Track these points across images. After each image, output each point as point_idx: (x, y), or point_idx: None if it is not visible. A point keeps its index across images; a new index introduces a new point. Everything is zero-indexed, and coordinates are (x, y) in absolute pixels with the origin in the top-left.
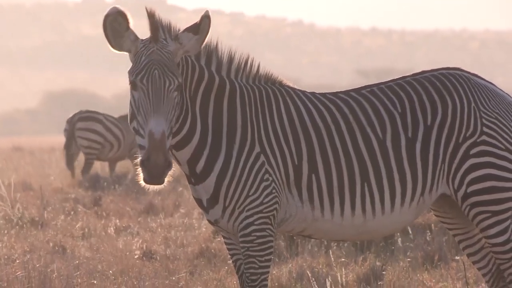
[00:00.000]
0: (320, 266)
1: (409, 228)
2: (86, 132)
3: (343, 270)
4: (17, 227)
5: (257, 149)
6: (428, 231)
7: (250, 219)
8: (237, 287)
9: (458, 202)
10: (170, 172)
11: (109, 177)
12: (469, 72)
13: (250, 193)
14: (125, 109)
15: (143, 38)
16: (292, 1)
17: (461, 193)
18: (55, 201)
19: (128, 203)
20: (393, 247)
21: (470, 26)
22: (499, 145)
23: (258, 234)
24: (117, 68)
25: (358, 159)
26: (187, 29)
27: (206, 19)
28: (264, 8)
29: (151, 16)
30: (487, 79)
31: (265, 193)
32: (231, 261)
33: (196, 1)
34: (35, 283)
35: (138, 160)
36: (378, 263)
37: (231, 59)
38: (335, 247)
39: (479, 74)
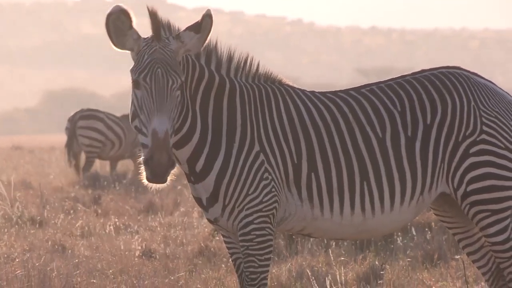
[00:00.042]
0: (320, 265)
1: (408, 227)
2: (88, 130)
3: (343, 269)
4: (17, 226)
5: (256, 147)
6: (427, 229)
7: (250, 218)
8: (236, 286)
9: (458, 201)
10: (173, 171)
11: (110, 175)
12: (468, 71)
13: (250, 192)
14: (125, 109)
15: (145, 37)
16: (292, 0)
17: (460, 191)
18: (54, 200)
19: (127, 202)
20: (392, 246)
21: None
22: (499, 143)
23: (257, 233)
24: (117, 67)
25: (357, 158)
26: (189, 28)
27: (207, 18)
28: (264, 7)
29: (153, 14)
30: (486, 78)
31: (264, 191)
32: (230, 260)
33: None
34: (35, 282)
35: (141, 158)
36: (377, 262)
37: (230, 58)
38: (334, 246)
39: (478, 73)
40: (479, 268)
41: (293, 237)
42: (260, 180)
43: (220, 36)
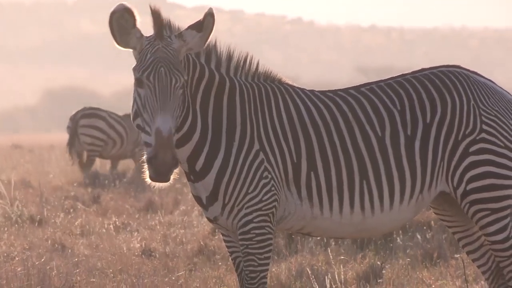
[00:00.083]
0: (320, 264)
1: (408, 226)
2: (89, 129)
3: (342, 267)
4: (17, 224)
5: (256, 146)
6: (426, 228)
7: (249, 217)
8: (236, 284)
9: (458, 199)
10: (175, 170)
11: (110, 174)
12: (468, 70)
13: (249, 191)
14: (125, 107)
15: (148, 36)
16: None
17: (460, 190)
18: (54, 199)
19: (127, 201)
20: (392, 245)
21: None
22: (499, 142)
23: (257, 231)
24: (117, 66)
25: (357, 157)
26: (191, 27)
27: (209, 17)
28: (263, 5)
29: (156, 13)
30: (486, 76)
31: (264, 190)
32: (230, 259)
33: None
34: (34, 280)
35: (145, 157)
36: (377, 261)
37: (230, 57)
38: (334, 245)
39: (478, 72)
40: (478, 267)
41: (293, 236)
42: (260, 179)
43: (220, 34)
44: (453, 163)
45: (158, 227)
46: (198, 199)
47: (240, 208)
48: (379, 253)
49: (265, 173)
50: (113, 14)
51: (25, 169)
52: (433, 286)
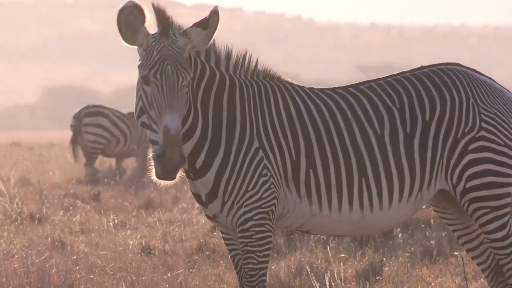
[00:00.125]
0: (319, 262)
1: (408, 224)
2: (93, 127)
3: (342, 265)
4: (16, 222)
5: (255, 144)
6: (426, 226)
7: (249, 214)
8: (235, 282)
9: (457, 197)
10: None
11: (115, 170)
12: (468, 68)
13: (249, 188)
14: (125, 105)
15: (153, 33)
16: None
17: (459, 188)
18: (54, 197)
19: (127, 198)
20: (392, 243)
21: (469, 22)
22: (498, 140)
23: (256, 229)
24: (117, 64)
25: (356, 155)
26: (196, 25)
27: (214, 15)
28: (263, 3)
29: (160, 11)
30: (486, 74)
31: (263, 188)
32: (229, 256)
33: None
34: (34, 278)
35: (151, 155)
36: (377, 259)
37: (229, 55)
38: (333, 243)
39: (478, 70)
40: (478, 264)
41: (292, 234)
42: (259, 177)
43: (220, 33)
44: (452, 161)
45: (157, 224)
46: (197, 196)
47: (239, 205)
48: (379, 251)
49: (265, 171)
50: (122, 11)
51: (24, 167)
52: (433, 283)
